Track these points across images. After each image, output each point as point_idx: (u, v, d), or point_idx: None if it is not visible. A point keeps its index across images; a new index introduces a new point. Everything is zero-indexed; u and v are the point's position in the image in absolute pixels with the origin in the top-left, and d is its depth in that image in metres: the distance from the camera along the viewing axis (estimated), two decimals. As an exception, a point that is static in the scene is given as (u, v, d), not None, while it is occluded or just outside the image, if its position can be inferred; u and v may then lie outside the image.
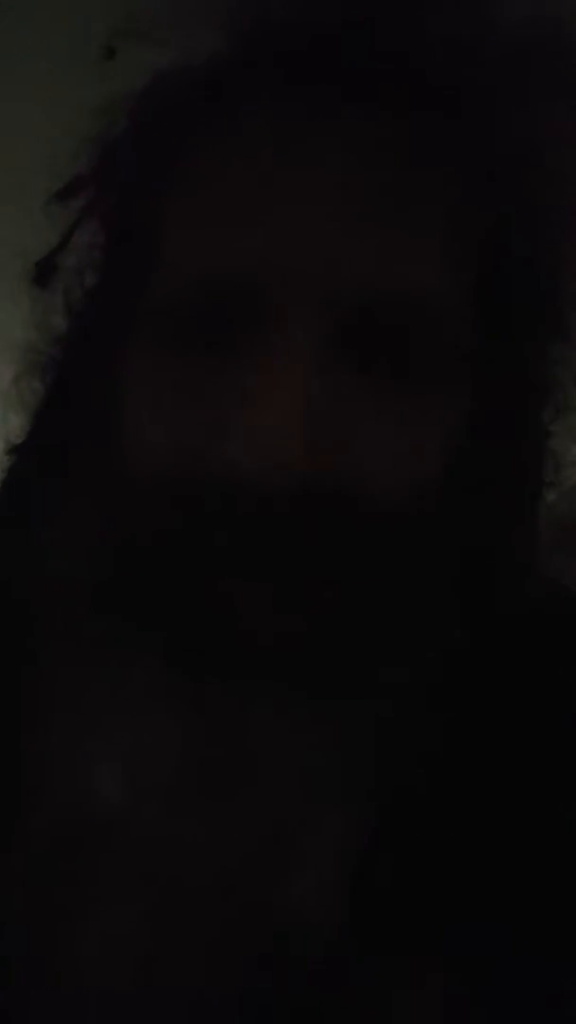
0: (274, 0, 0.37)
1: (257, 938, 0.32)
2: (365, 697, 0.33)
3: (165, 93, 0.38)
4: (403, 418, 0.34)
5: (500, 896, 0.35)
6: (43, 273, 0.40)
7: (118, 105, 0.39)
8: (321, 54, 0.36)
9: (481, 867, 0.35)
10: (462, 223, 0.36)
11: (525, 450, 0.40)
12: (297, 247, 0.33)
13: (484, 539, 0.37)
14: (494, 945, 0.35)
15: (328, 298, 0.33)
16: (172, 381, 0.35)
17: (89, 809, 0.33)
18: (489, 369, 0.37)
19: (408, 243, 0.35)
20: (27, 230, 0.39)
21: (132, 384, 0.36)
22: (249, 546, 0.32)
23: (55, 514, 0.37)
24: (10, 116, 1.28)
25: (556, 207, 0.38)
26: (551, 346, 0.40)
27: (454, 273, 0.36)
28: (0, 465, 0.41)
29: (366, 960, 0.33)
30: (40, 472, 0.40)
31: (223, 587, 0.32)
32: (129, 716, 0.33)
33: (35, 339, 0.40)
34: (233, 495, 0.32)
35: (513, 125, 0.37)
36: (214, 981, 0.33)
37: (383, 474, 0.34)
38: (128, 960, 0.33)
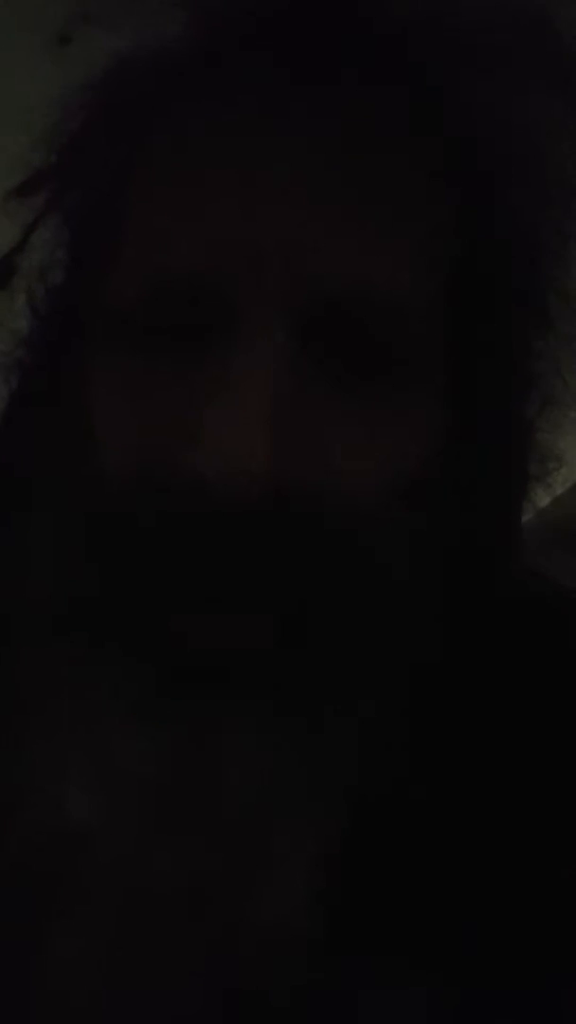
0: None
1: (230, 957, 0.32)
2: (336, 710, 0.32)
3: (124, 84, 0.37)
4: (376, 419, 0.34)
5: (479, 906, 0.34)
6: (2, 274, 0.39)
7: (76, 96, 0.37)
8: (287, 42, 0.35)
9: (458, 878, 0.34)
10: (435, 218, 0.35)
11: (509, 446, 0.39)
12: (263, 245, 0.32)
13: (468, 538, 0.36)
14: (475, 955, 0.34)
15: (295, 296, 0.32)
16: (137, 383, 0.34)
17: (58, 829, 0.32)
18: (468, 365, 0.36)
19: (378, 239, 0.34)
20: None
21: (97, 386, 0.35)
22: (213, 556, 0.31)
23: (17, 523, 0.36)
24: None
25: (534, 199, 0.37)
26: (533, 339, 0.39)
27: (427, 268, 0.35)
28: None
29: (342, 978, 0.32)
30: (4, 478, 0.38)
31: (187, 598, 0.31)
32: (96, 733, 0.32)
33: None
34: (197, 503, 0.31)
35: (489, 116, 0.36)
36: (186, 1000, 0.32)
37: (356, 478, 0.33)
38: (97, 980, 0.32)
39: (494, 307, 0.37)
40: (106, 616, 0.32)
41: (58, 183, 0.38)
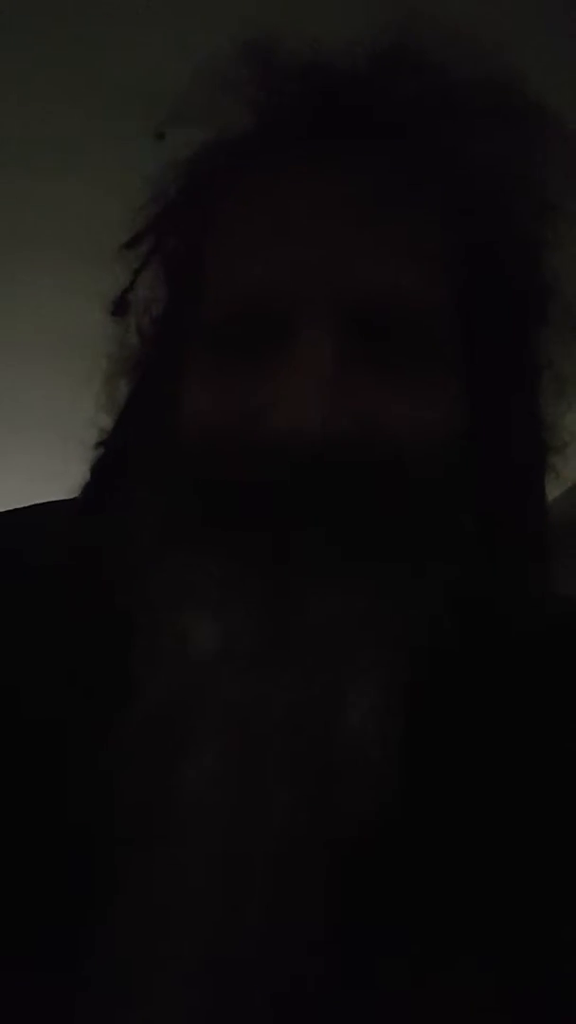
0: (284, 85, 0.48)
1: (326, 759, 0.42)
2: (395, 585, 0.43)
3: (202, 163, 0.50)
4: (406, 392, 0.44)
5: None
6: (118, 307, 0.52)
7: (168, 173, 0.50)
8: (318, 122, 0.47)
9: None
10: (440, 237, 0.46)
11: (520, 419, 0.49)
12: (308, 273, 0.44)
13: (492, 490, 0.47)
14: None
15: (335, 307, 0.44)
16: (222, 376, 0.46)
17: (189, 663, 0.43)
18: (479, 351, 0.47)
19: (395, 259, 0.45)
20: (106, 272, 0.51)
21: (189, 383, 0.47)
22: (285, 490, 0.42)
23: (143, 474, 0.48)
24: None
25: (528, 219, 0.48)
26: (536, 332, 0.49)
27: (436, 277, 0.46)
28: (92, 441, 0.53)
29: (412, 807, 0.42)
30: (128, 447, 0.51)
31: (275, 516, 0.43)
32: (213, 600, 0.44)
33: (115, 353, 0.52)
34: (272, 453, 0.42)
35: (485, 157, 0.47)
36: (296, 798, 0.41)
37: (393, 434, 0.43)
38: (225, 787, 0.42)
39: (497, 305, 0.47)
40: (211, 525, 0.44)
41: (155, 238, 0.51)
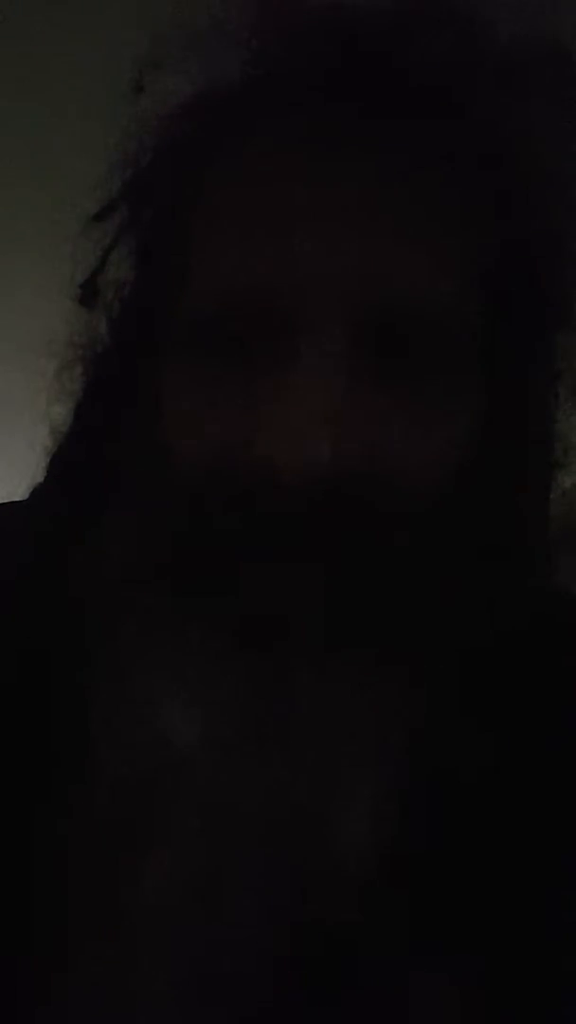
0: (288, 35, 0.40)
1: (304, 869, 0.36)
2: (394, 662, 0.36)
3: (187, 121, 0.41)
4: (423, 415, 0.37)
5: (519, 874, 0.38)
6: (87, 294, 0.44)
7: (145, 130, 0.42)
8: (333, 78, 0.39)
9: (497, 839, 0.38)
10: (471, 231, 0.39)
11: (535, 435, 0.43)
12: (317, 266, 0.36)
13: (503, 519, 0.40)
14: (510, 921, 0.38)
15: (348, 312, 0.36)
16: (208, 384, 0.38)
17: (154, 755, 0.37)
18: (501, 364, 0.40)
19: (421, 256, 0.37)
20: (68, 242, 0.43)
21: (171, 386, 0.39)
22: (280, 533, 0.35)
23: (107, 501, 0.41)
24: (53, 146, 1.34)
25: (558, 207, 0.41)
26: (558, 336, 0.42)
27: (467, 283, 0.39)
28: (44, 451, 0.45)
29: (399, 891, 0.36)
30: (87, 463, 0.44)
31: (255, 568, 0.36)
32: (186, 671, 0.37)
33: (76, 335, 0.44)
34: (264, 489, 0.35)
35: (514, 136, 0.40)
36: (266, 909, 0.36)
37: (406, 466, 0.37)
38: (188, 890, 0.36)
39: (520, 309, 0.40)
40: (189, 576, 0.37)
41: (129, 208, 0.43)
